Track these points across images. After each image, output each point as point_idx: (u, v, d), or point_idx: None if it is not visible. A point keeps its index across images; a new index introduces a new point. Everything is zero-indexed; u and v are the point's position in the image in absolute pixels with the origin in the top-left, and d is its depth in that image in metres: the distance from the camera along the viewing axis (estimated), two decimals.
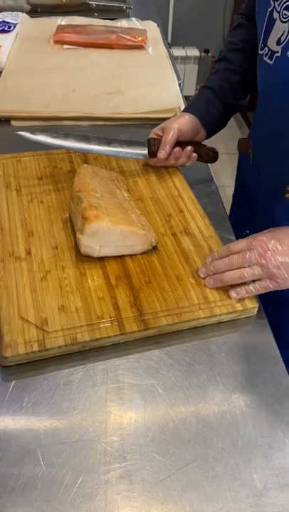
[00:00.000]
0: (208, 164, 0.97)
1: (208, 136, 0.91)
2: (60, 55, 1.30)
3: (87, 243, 0.67)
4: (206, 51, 2.84)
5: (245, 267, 0.65)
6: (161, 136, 0.85)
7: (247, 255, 0.64)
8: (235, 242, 0.68)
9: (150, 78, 1.21)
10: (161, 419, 0.56)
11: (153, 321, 0.63)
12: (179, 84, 1.24)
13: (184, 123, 0.85)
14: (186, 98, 1.19)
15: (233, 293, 0.67)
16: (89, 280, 0.67)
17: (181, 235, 0.76)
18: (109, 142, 0.84)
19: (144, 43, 1.35)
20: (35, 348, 0.59)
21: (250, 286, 0.66)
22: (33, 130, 0.83)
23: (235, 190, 1.06)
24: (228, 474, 0.52)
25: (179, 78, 1.26)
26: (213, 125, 0.90)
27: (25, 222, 0.76)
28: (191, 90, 2.93)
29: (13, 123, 1.06)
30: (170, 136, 0.83)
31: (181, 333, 0.65)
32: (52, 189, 0.82)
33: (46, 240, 0.73)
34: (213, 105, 0.89)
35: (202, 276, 0.69)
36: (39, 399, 0.57)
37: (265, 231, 0.66)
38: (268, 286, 0.65)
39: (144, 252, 0.72)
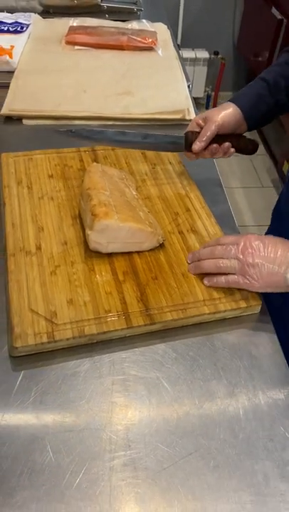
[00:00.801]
0: (216, 165, 0.99)
1: (249, 130, 0.87)
2: (71, 55, 1.32)
3: (96, 239, 0.69)
4: (216, 53, 2.85)
5: (224, 259, 0.67)
6: (201, 127, 0.84)
7: (229, 248, 0.66)
8: (226, 236, 0.70)
9: (159, 80, 1.23)
10: (165, 411, 0.58)
11: (159, 315, 0.65)
12: (188, 86, 1.25)
13: (228, 116, 0.82)
14: (194, 100, 1.20)
15: (205, 280, 0.69)
16: (97, 275, 0.69)
17: (188, 233, 0.78)
18: (145, 136, 0.85)
19: (154, 44, 1.37)
20: (45, 339, 0.61)
21: (222, 278, 0.68)
22: (71, 129, 0.87)
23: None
24: (229, 464, 0.54)
25: (188, 80, 1.28)
26: (258, 121, 0.85)
27: (35, 219, 0.78)
28: (200, 92, 2.95)
29: (25, 122, 1.08)
30: (209, 132, 0.81)
31: (186, 329, 0.67)
32: (62, 187, 0.84)
33: (56, 235, 0.75)
34: (263, 101, 0.83)
35: (188, 261, 0.72)
36: (47, 389, 0.59)
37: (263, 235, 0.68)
38: (238, 281, 0.66)
39: (151, 249, 0.74)
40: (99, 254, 0.71)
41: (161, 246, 0.74)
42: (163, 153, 0.94)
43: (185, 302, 0.67)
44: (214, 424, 0.57)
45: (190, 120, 1.10)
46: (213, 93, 3.02)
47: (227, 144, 0.84)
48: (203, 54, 2.81)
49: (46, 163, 0.90)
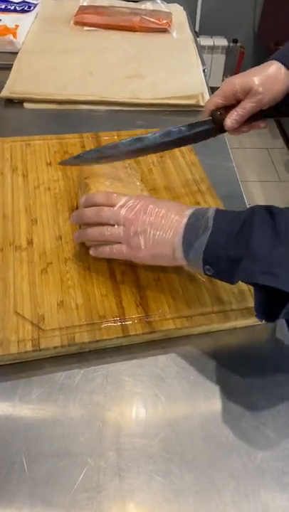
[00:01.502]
0: (231, 155, 0.90)
1: None
2: (79, 36, 1.24)
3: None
4: (235, 41, 2.74)
5: (110, 225, 0.59)
6: (231, 100, 0.67)
7: (117, 211, 0.58)
8: (119, 195, 0.60)
9: (173, 63, 1.14)
10: (163, 435, 0.51)
11: (160, 323, 0.57)
12: (204, 71, 1.16)
13: (268, 78, 0.65)
14: (211, 89, 1.11)
15: (91, 250, 0.62)
16: (92, 275, 0.62)
17: None
18: (167, 134, 0.70)
19: (169, 26, 1.28)
20: (29, 347, 0.54)
21: (107, 247, 0.60)
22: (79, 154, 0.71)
23: None
24: (236, 500, 0.46)
25: (203, 64, 1.19)
26: None
27: (29, 210, 0.70)
28: (218, 81, 2.83)
29: (26, 105, 1.00)
30: (246, 111, 0.66)
31: (190, 338, 0.59)
32: (60, 176, 0.77)
33: (50, 229, 0.68)
34: None
35: (72, 222, 0.65)
36: (30, 404, 0.52)
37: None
38: (122, 251, 0.58)
39: None
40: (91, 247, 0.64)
41: None
42: None
43: (191, 309, 0.59)
44: (220, 452, 0.50)
45: (204, 106, 1.02)
46: None
47: (263, 124, 0.71)
48: (222, 42, 2.70)
49: (45, 150, 0.82)
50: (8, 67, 1.09)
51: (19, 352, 0.53)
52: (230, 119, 0.67)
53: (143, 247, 0.56)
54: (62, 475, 0.47)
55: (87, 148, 0.83)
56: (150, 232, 0.56)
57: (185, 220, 0.55)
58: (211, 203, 0.74)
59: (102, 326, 0.56)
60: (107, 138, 0.86)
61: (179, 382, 0.55)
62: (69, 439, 0.50)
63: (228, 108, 0.68)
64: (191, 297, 0.60)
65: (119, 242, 0.59)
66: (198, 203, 0.74)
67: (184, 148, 0.84)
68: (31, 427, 0.51)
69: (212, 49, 2.70)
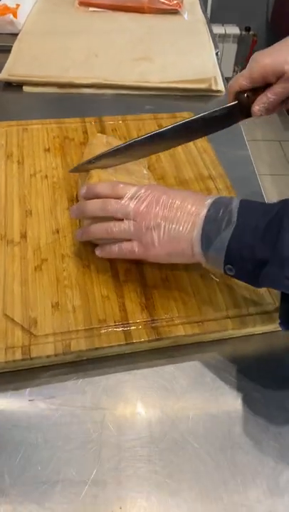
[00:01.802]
0: (247, 143, 0.83)
1: None
2: (84, 17, 1.17)
3: (88, 220, 0.54)
4: (247, 29, 2.65)
5: (118, 220, 0.51)
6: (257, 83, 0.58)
7: (126, 203, 0.51)
8: (126, 184, 0.53)
9: (183, 45, 1.07)
10: (170, 458, 0.44)
11: (168, 329, 0.50)
12: (216, 54, 1.09)
13: None
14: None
15: (97, 250, 0.55)
16: (92, 273, 0.55)
17: None
18: (187, 125, 0.61)
19: (180, 7, 1.20)
20: (18, 355, 0.47)
21: (116, 246, 0.53)
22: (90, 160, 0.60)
23: None
24: None
25: (216, 47, 1.11)
26: None
27: (24, 200, 0.64)
28: (229, 71, 2.75)
29: (26, 89, 0.93)
30: (277, 97, 0.57)
31: (201, 346, 0.52)
32: (59, 163, 0.70)
33: (46, 221, 0.61)
34: None
35: (72, 216, 0.58)
36: (16, 422, 0.46)
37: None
38: (133, 249, 0.52)
39: None
40: (96, 247, 0.57)
41: None
42: None
43: (202, 313, 0.52)
44: (242, 481, 0.43)
45: (217, 91, 0.95)
46: None
47: None
48: (234, 30, 2.61)
49: (43, 135, 0.75)
50: (8, 49, 1.02)
51: (7, 361, 0.47)
52: (259, 106, 0.58)
53: (157, 244, 0.50)
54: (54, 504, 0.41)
55: (90, 134, 0.76)
56: (165, 226, 0.49)
57: (204, 211, 0.48)
58: (225, 194, 0.67)
59: (102, 331, 0.50)
60: (112, 122, 0.79)
61: (189, 396, 0.48)
62: (61, 463, 0.43)
63: (255, 90, 0.59)
64: (203, 299, 0.53)
65: (129, 239, 0.52)
66: (209, 189, 0.67)
67: None
68: (19, 446, 0.44)
69: (223, 37, 2.61)
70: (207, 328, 0.51)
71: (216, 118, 0.60)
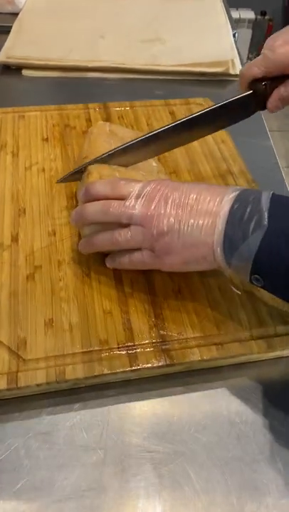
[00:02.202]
0: (268, 133, 0.74)
1: None
2: None
3: (93, 231, 0.47)
4: (263, 13, 2.53)
5: (122, 228, 0.43)
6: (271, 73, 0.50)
7: (130, 204, 0.43)
8: (128, 180, 0.45)
9: (198, 25, 0.98)
10: (187, 508, 0.36)
11: (181, 353, 0.42)
12: (234, 35, 1.00)
13: None
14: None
15: (107, 262, 0.48)
16: (93, 283, 0.47)
17: None
18: (199, 117, 0.52)
19: None
20: (3, 384, 0.40)
21: (126, 257, 0.45)
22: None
23: None
24: None
25: (233, 28, 1.02)
26: None
27: (17, 196, 0.56)
28: (243, 58, 2.64)
29: (25, 72, 0.85)
30: None
31: (220, 371, 0.44)
32: (59, 154, 0.62)
33: (42, 222, 0.53)
34: None
35: (72, 223, 0.48)
36: (2, 463, 0.38)
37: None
38: (143, 260, 0.44)
39: None
40: (98, 253, 0.49)
41: None
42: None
43: (222, 332, 0.44)
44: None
45: (235, 75, 0.86)
46: None
47: None
48: (249, 14, 2.49)
49: (42, 123, 0.67)
50: (8, 30, 0.94)
51: None
52: (276, 102, 0.50)
53: (171, 252, 0.42)
54: None
55: (93, 121, 0.68)
56: (179, 230, 0.41)
57: (226, 208, 0.40)
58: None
59: (103, 355, 0.42)
60: (118, 109, 0.71)
61: (207, 435, 0.40)
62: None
63: (273, 79, 0.50)
64: (222, 316, 0.45)
65: (139, 248, 0.44)
66: None
67: None
68: (2, 493, 0.37)
69: (238, 22, 2.50)
70: (227, 352, 0.43)
71: (229, 110, 0.52)
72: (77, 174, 0.52)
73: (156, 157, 0.59)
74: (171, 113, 0.70)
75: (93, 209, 0.44)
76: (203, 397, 0.43)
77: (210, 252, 0.40)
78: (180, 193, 0.42)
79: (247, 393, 0.43)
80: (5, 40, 0.90)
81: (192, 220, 0.40)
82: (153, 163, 0.56)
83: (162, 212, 0.41)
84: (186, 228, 0.40)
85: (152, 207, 0.42)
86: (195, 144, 0.65)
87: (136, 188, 0.43)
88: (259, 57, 0.50)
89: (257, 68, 0.50)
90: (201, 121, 0.52)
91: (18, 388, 0.40)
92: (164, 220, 0.41)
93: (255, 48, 2.66)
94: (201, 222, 0.40)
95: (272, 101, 0.50)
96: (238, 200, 0.40)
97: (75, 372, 0.41)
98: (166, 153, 0.63)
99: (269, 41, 0.49)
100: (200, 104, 0.72)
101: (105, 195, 0.44)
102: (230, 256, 0.39)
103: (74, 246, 0.51)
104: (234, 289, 0.47)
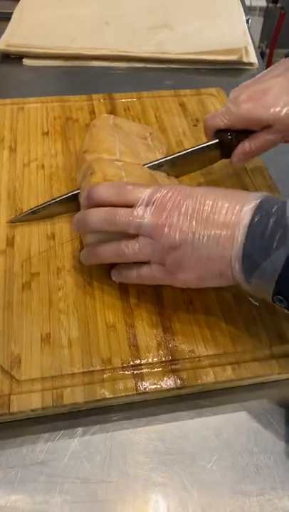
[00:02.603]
0: None
1: None
2: None
3: (96, 240, 0.42)
4: (275, 1, 2.46)
5: (129, 239, 0.39)
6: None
7: (139, 213, 0.38)
8: (137, 186, 0.40)
9: (209, 10, 0.92)
10: None
11: (192, 374, 0.38)
12: (247, 21, 0.94)
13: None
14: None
15: (112, 275, 0.43)
16: (96, 292, 0.43)
17: None
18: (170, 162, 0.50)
19: None
20: None
21: (134, 271, 0.41)
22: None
23: None
24: None
25: (246, 13, 0.97)
26: None
27: (13, 195, 0.52)
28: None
29: (26, 62, 0.81)
30: (261, 148, 0.48)
31: (236, 391, 0.40)
32: (60, 149, 0.58)
33: (40, 223, 0.49)
34: None
35: (74, 229, 0.43)
36: None
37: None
38: (154, 275, 0.40)
39: None
40: (112, 269, 0.45)
41: None
42: (210, 105, 0.66)
43: (238, 350, 0.40)
44: None
45: (249, 63, 0.81)
46: (268, 50, 2.63)
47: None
48: (259, 1, 2.41)
49: (42, 115, 0.63)
50: (9, 17, 0.90)
51: None
52: (239, 155, 0.48)
53: (185, 268, 0.37)
54: None
55: (97, 114, 0.63)
56: (193, 243, 0.36)
57: (246, 219, 0.35)
58: (262, 187, 0.54)
59: (106, 375, 0.38)
60: (124, 100, 0.66)
61: (221, 465, 0.36)
62: None
63: (237, 132, 0.48)
64: (238, 331, 0.41)
65: (148, 261, 0.40)
66: (246, 188, 0.53)
67: None
68: None
69: (249, 10, 2.42)
70: (245, 372, 0.38)
71: (192, 157, 0.50)
72: (36, 214, 0.48)
73: (165, 151, 0.55)
74: (181, 104, 0.65)
75: (97, 217, 0.39)
76: (217, 422, 0.38)
77: (227, 268, 0.36)
78: (194, 201, 0.37)
79: (266, 417, 0.39)
80: (5, 28, 0.86)
81: (208, 231, 0.36)
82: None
83: (174, 221, 0.37)
84: (201, 240, 0.36)
85: (163, 216, 0.37)
86: None
87: (145, 194, 0.39)
88: (223, 108, 0.48)
89: (220, 120, 0.47)
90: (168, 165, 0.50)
91: (11, 414, 0.36)
92: (177, 231, 0.37)
93: (267, 36, 2.58)
94: (217, 233, 0.36)
95: (236, 154, 0.48)
96: (259, 210, 0.35)
97: (74, 395, 0.36)
98: (175, 148, 0.58)
99: (233, 93, 0.48)
100: (212, 95, 0.67)
101: (110, 201, 0.39)
102: (249, 274, 0.35)
103: (75, 251, 0.46)
104: (252, 300, 0.43)
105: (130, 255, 0.39)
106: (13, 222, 0.49)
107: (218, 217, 0.36)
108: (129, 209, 0.38)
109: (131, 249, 0.39)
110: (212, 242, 0.36)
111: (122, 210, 0.38)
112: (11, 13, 0.90)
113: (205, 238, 0.36)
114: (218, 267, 0.36)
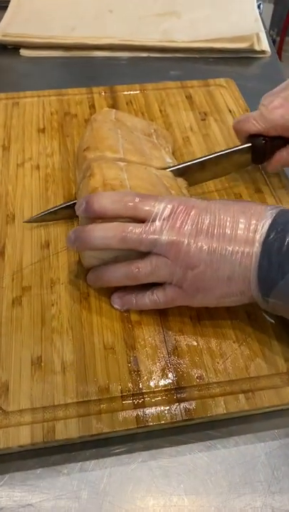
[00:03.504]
0: None
1: None
2: None
3: (94, 253, 0.38)
4: None
5: (141, 259, 0.35)
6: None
7: (152, 229, 0.34)
8: (145, 197, 0.36)
9: None
10: None
11: (201, 404, 0.34)
12: (258, 6, 0.89)
13: None
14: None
15: (115, 303, 0.39)
16: (93, 309, 0.39)
17: None
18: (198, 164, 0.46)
19: None
20: None
21: (145, 297, 0.37)
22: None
23: None
24: None
25: None
26: None
27: (5, 200, 0.48)
28: None
29: (23, 52, 0.76)
30: None
31: (251, 419, 0.36)
32: (56, 147, 0.53)
33: (34, 230, 0.45)
34: None
35: (69, 246, 0.38)
36: None
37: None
38: (167, 298, 0.36)
39: None
40: (113, 295, 0.41)
41: None
42: (219, 97, 0.61)
43: (252, 375, 0.35)
44: None
45: (261, 51, 0.76)
46: (278, 38, 2.55)
47: None
48: None
49: (38, 111, 0.58)
50: (5, 6, 0.85)
51: None
52: (276, 163, 0.47)
53: (205, 287, 0.34)
54: None
55: (97, 108, 0.59)
56: (212, 261, 0.33)
57: (262, 235, 0.32)
58: (278, 188, 0.49)
59: (103, 406, 0.33)
60: (127, 93, 0.61)
61: (234, 507, 0.32)
62: None
63: (271, 138, 0.46)
64: (252, 352, 0.36)
65: (162, 283, 0.36)
66: (259, 191, 0.49)
67: (236, 108, 0.59)
68: None
69: None
70: (259, 402, 0.34)
71: (222, 161, 0.47)
72: (54, 214, 0.44)
73: (171, 149, 0.50)
74: (188, 97, 0.61)
75: (102, 233, 0.35)
76: (228, 457, 0.34)
77: (248, 287, 0.33)
78: (211, 216, 0.34)
79: (285, 451, 0.34)
80: (1, 17, 0.81)
81: (228, 249, 0.32)
82: (167, 158, 0.47)
83: (192, 240, 0.33)
84: (221, 259, 0.32)
85: (180, 233, 0.33)
86: (216, 132, 0.55)
87: (157, 208, 0.35)
88: (255, 112, 0.45)
89: (252, 124, 0.45)
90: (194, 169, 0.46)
91: None
92: (195, 250, 0.33)
93: (277, 24, 2.50)
94: (236, 250, 0.32)
95: (273, 163, 0.47)
96: (274, 225, 0.32)
97: (67, 430, 0.32)
98: (182, 145, 0.54)
99: (266, 99, 0.45)
100: (221, 86, 0.62)
101: (116, 214, 0.35)
102: (267, 292, 0.31)
103: (71, 261, 0.42)
104: (267, 317, 0.38)
105: (142, 277, 0.35)
106: (28, 222, 0.45)
107: (236, 234, 0.33)
108: (139, 224, 0.34)
109: (143, 270, 0.35)
110: (232, 260, 0.32)
111: (132, 227, 0.34)
112: (8, 1, 0.86)
113: (225, 257, 0.32)
114: (239, 286, 0.33)
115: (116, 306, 0.38)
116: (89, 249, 0.37)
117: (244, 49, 0.75)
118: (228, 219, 0.33)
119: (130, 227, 0.34)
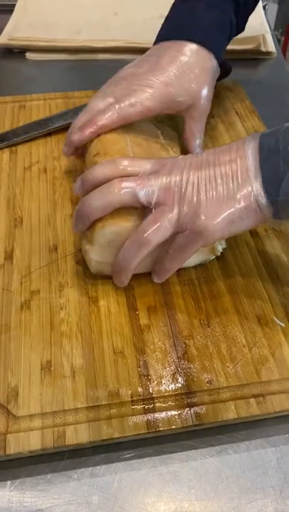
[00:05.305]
0: None
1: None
2: None
3: (101, 258, 0.38)
4: None
5: (149, 219, 0.37)
6: None
7: (144, 180, 0.37)
8: (135, 158, 0.40)
9: None
10: None
11: (211, 409, 0.33)
12: (264, 7, 0.89)
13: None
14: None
15: (153, 276, 0.40)
16: (102, 313, 0.39)
17: (267, 234, 0.45)
18: None
19: None
20: None
21: (167, 257, 0.38)
22: None
23: None
24: None
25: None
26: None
27: (13, 203, 0.47)
28: None
29: (29, 55, 0.76)
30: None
31: (263, 423, 0.35)
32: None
33: (42, 234, 0.45)
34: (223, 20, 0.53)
35: (75, 226, 0.40)
36: None
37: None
38: (185, 244, 0.37)
39: (201, 265, 0.42)
40: (107, 276, 0.41)
41: (220, 259, 0.42)
42: (227, 99, 0.61)
43: (263, 380, 0.35)
44: None
45: (267, 53, 0.76)
46: (283, 38, 2.55)
47: None
48: None
49: (45, 113, 0.58)
50: (11, 10, 0.85)
51: None
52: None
53: (209, 215, 0.35)
54: None
55: None
56: (209, 188, 0.36)
57: (252, 146, 0.36)
58: None
59: (113, 411, 0.33)
60: None
61: (244, 509, 0.32)
62: None
63: None
64: (262, 357, 0.36)
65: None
66: None
67: (242, 111, 0.59)
68: None
69: None
70: (270, 407, 0.34)
71: None
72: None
73: (179, 150, 0.50)
74: None
75: (100, 195, 0.37)
76: (239, 462, 0.34)
77: (252, 199, 0.35)
78: (196, 157, 0.37)
79: None
80: (7, 21, 0.81)
81: (219, 172, 0.36)
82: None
83: (183, 178, 0.36)
84: (215, 183, 0.36)
85: (170, 176, 0.36)
86: (223, 135, 0.55)
87: (146, 165, 0.37)
88: None
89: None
90: None
91: (6, 455, 0.32)
92: (189, 185, 0.36)
93: (282, 25, 2.50)
94: (229, 169, 0.36)
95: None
96: (263, 135, 0.36)
97: (78, 435, 0.32)
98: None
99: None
100: (227, 88, 0.62)
101: (108, 177, 0.37)
102: (274, 194, 0.34)
103: (79, 264, 0.42)
104: (277, 320, 0.38)
105: (153, 237, 0.36)
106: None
107: (224, 158, 0.36)
108: (132, 178, 0.37)
109: (150, 229, 0.36)
110: (227, 180, 0.35)
111: (127, 181, 0.37)
112: (14, 5, 0.86)
113: (219, 180, 0.36)
114: (242, 203, 0.35)
115: (156, 281, 0.40)
116: (90, 219, 0.37)
117: (250, 50, 0.75)
118: (212, 151, 0.37)
119: (124, 183, 0.36)
